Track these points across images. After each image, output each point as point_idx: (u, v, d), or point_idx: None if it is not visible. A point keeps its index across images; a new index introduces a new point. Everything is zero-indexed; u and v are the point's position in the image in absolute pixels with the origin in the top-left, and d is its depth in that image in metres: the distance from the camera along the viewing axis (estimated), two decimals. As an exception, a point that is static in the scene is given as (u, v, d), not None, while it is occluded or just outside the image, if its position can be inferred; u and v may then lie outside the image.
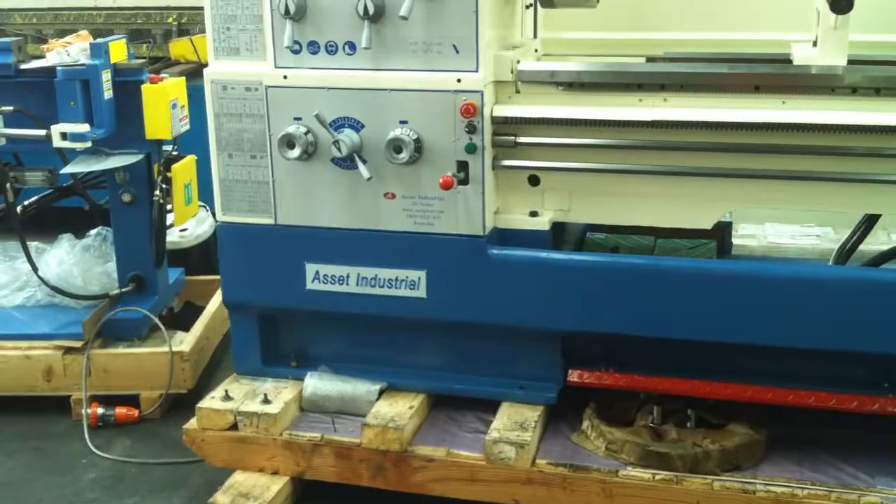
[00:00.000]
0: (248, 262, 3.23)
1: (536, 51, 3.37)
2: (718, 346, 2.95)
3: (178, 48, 5.65)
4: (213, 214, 4.90)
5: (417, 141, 2.96)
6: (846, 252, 3.40)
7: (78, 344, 3.83)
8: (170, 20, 5.97)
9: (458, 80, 2.91)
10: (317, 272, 3.18)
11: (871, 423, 2.94)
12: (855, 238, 3.36)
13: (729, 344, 2.92)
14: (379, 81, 2.98)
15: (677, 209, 3.01)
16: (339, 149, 2.96)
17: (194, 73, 5.29)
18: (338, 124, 3.03)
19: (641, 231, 3.44)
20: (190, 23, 5.95)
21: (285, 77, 3.04)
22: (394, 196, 3.06)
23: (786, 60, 3.11)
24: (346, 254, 3.15)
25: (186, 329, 4.20)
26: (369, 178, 2.96)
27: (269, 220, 3.18)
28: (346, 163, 3.04)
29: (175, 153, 4.05)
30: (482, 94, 2.91)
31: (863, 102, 2.81)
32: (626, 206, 3.06)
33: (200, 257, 4.81)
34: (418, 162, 2.99)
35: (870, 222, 3.26)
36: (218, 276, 4.64)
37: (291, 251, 3.18)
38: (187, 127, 3.99)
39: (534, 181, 3.12)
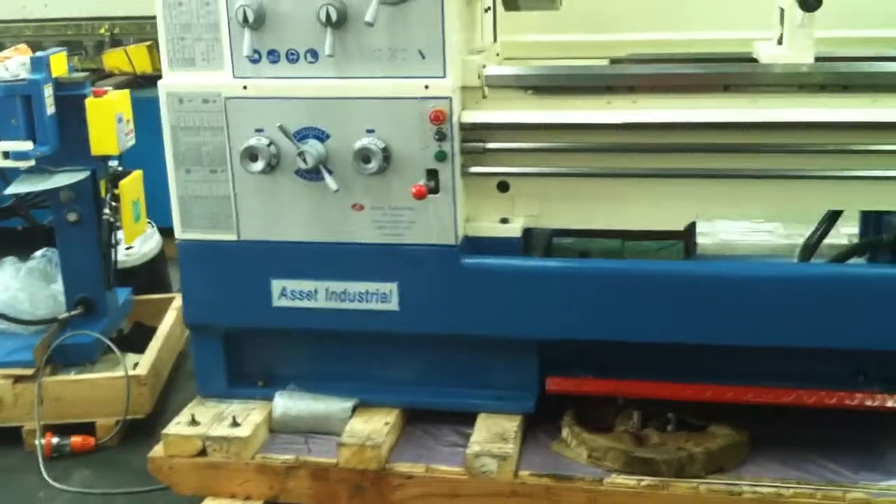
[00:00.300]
0: (211, 280, 3.13)
1: (498, 55, 3.32)
2: (696, 348, 2.94)
3: (113, 60, 5.49)
4: (166, 231, 4.78)
5: (385, 150, 2.89)
6: (810, 248, 3.42)
7: (28, 371, 3.67)
8: (101, 31, 5.80)
9: (426, 87, 2.85)
10: (283, 288, 3.09)
11: (849, 419, 2.95)
12: (819, 234, 3.38)
13: (708, 346, 2.90)
14: (343, 90, 2.90)
15: (650, 212, 2.98)
16: (304, 160, 2.88)
17: (130, 84, 5.15)
18: (302, 135, 2.95)
19: (608, 234, 3.41)
20: (123, 33, 5.79)
21: (245, 87, 2.95)
22: (362, 207, 2.98)
23: (750, 59, 3.11)
24: (313, 268, 3.07)
25: (138, 351, 4.06)
26: (336, 190, 2.89)
27: (231, 237, 3.08)
28: (312, 174, 2.96)
29: (120, 169, 3.91)
30: (451, 101, 2.85)
31: (832, 99, 2.81)
32: (597, 209, 3.03)
33: (148, 276, 4.68)
34: (387, 171, 2.92)
35: (833, 218, 3.28)
36: (167, 295, 4.60)
37: (256, 267, 3.09)
38: (133, 141, 3.86)
39: (503, 187, 3.07)
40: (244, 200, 3.03)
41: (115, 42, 5.76)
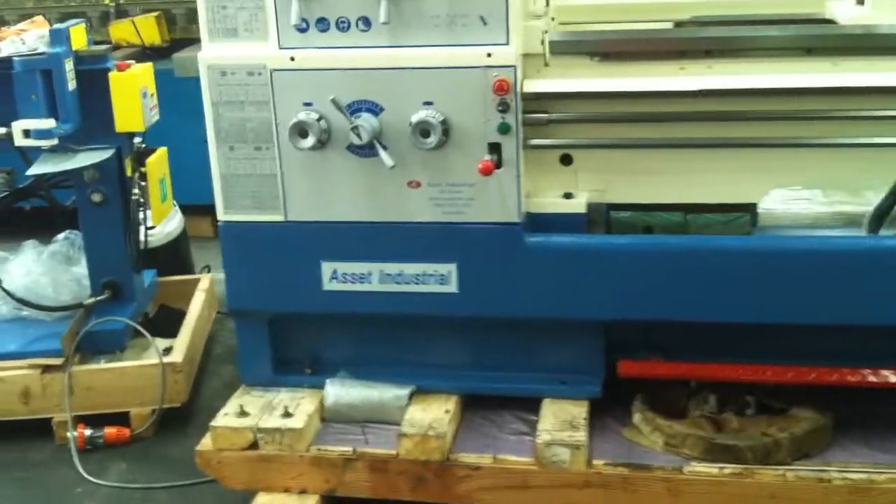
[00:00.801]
0: (256, 264, 2.96)
1: (553, 19, 3.14)
2: (773, 327, 2.79)
3: (120, 31, 5.27)
4: (185, 208, 4.61)
5: (445, 123, 2.72)
6: (878, 218, 3.25)
7: (57, 361, 3.51)
8: (106, 1, 5.56)
9: (489, 55, 2.68)
10: (334, 271, 2.92)
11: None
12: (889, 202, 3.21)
13: (786, 325, 2.76)
14: (399, 60, 2.72)
15: (723, 185, 2.84)
16: (357, 135, 2.70)
17: (138, 57, 4.93)
18: (354, 108, 2.77)
19: (668, 207, 3.24)
20: (129, 3, 5.56)
21: (292, 59, 2.76)
22: (419, 184, 2.81)
23: (825, 21, 2.94)
24: (366, 250, 2.91)
25: (166, 335, 3.91)
26: (392, 166, 2.71)
27: (278, 217, 2.91)
28: (365, 150, 2.78)
29: (144, 146, 3.72)
30: (515, 69, 2.67)
31: (920, 61, 2.65)
32: (667, 183, 2.87)
33: (171, 256, 4.51)
34: (445, 146, 2.75)
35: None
36: (192, 276, 4.43)
37: (305, 250, 2.92)
38: (157, 116, 3.68)
39: (566, 160, 2.91)
40: (292, 179, 2.86)
41: (121, 13, 5.54)
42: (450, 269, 2.88)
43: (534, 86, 2.77)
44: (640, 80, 2.77)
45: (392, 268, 2.91)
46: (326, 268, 2.94)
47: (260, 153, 2.86)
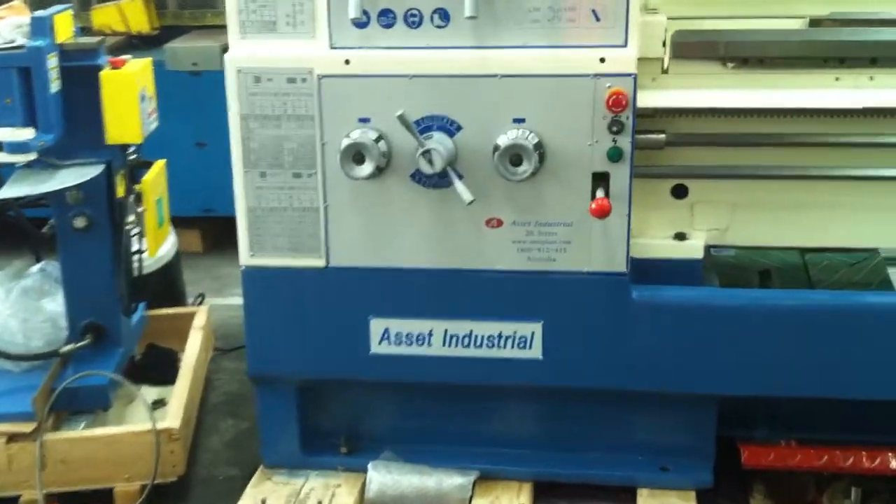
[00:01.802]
0: (288, 320, 2.41)
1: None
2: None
3: (103, 17, 4.65)
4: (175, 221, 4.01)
5: (539, 146, 2.15)
6: None
7: (27, 427, 2.89)
8: (88, -18, 4.93)
9: (602, 60, 2.12)
10: (386, 330, 2.36)
11: None
12: None
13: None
14: (485, 64, 2.18)
15: (880, 223, 2.28)
16: (429, 161, 2.14)
17: (124, 46, 4.36)
18: (424, 126, 2.20)
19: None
20: (114, -16, 4.92)
21: (347, 62, 2.20)
22: (500, 223, 2.25)
23: None
24: (428, 304, 2.37)
25: (155, 381, 3.31)
26: (471, 202, 2.13)
27: (318, 263, 2.35)
28: (434, 179, 2.20)
29: (139, 159, 3.12)
30: (635, 79, 2.11)
31: None
32: (810, 221, 2.33)
33: (161, 284, 3.89)
34: (537, 175, 2.18)
35: None
36: (186, 309, 3.84)
37: (351, 303, 2.37)
38: (157, 123, 3.08)
39: (680, 192, 2.38)
40: (338, 214, 2.30)
41: (105, -5, 4.90)
42: (534, 329, 2.32)
43: (649, 99, 2.21)
44: (786, 94, 2.22)
45: (460, 327, 2.36)
46: (377, 326, 2.38)
47: (299, 181, 2.29)
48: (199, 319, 3.72)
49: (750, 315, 2.27)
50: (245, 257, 2.39)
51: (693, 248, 2.36)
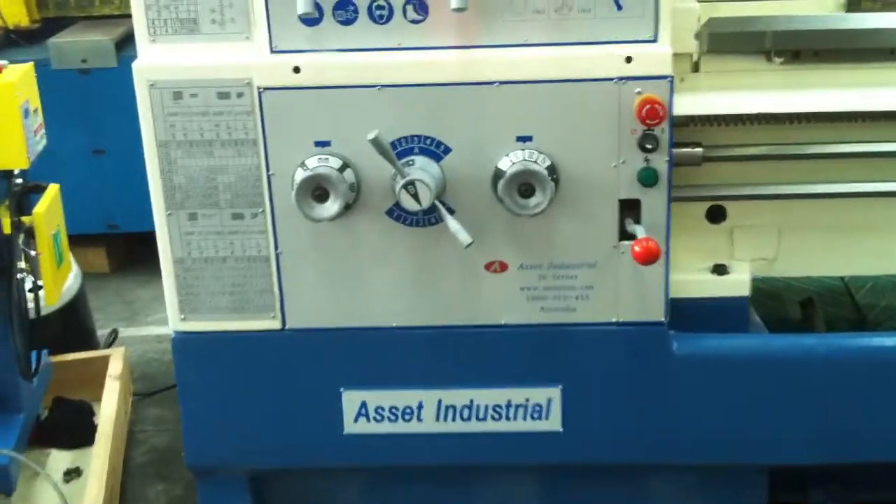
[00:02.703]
0: (235, 397, 1.93)
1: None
2: None
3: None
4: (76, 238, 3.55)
5: (552, 170, 1.68)
6: None
7: None
8: (-49, -32, 4.30)
9: (628, 60, 1.66)
10: (363, 405, 1.92)
11: None
12: None
13: None
14: (477, 69, 1.72)
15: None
16: (414, 196, 1.66)
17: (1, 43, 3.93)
18: (402, 150, 1.72)
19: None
20: (-17, -29, 4.30)
21: (296, 70, 1.71)
22: (504, 267, 1.80)
23: None
24: (416, 370, 1.94)
25: (67, 444, 2.84)
26: (469, 244, 1.66)
27: (271, 324, 1.87)
28: (418, 216, 1.73)
29: (25, 183, 2.59)
30: (671, 83, 1.66)
31: None
32: (876, 245, 1.90)
33: (65, 324, 3.35)
34: (550, 205, 1.72)
35: None
36: (97, 353, 3.35)
37: (316, 373, 1.92)
38: (45, 142, 2.55)
39: (717, 215, 1.96)
40: (295, 263, 1.84)
41: (-27, -16, 4.28)
42: (550, 395, 1.90)
43: (681, 104, 1.77)
44: (848, 94, 1.79)
45: (458, 397, 1.92)
46: (351, 400, 1.93)
47: (241, 224, 1.80)
48: (115, 364, 3.23)
49: (818, 365, 1.86)
50: (175, 320, 1.89)
51: (737, 284, 1.94)
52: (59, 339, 3.25)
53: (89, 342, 3.52)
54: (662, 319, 1.86)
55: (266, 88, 1.75)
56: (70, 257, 2.86)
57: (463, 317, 1.87)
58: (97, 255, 4.12)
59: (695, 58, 1.86)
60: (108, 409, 2.97)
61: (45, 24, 4.31)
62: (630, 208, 1.80)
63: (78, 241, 3.86)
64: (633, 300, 1.85)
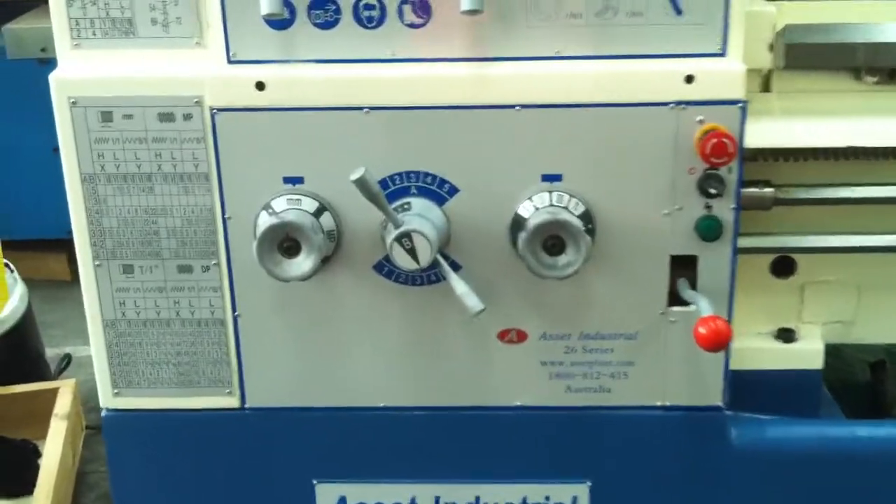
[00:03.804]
0: (180, 492, 1.54)
1: None
2: None
3: None
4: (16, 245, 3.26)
5: (588, 218, 1.31)
6: None
7: None
8: None
9: (688, 80, 1.28)
10: (342, 500, 1.51)
11: None
12: None
13: None
14: (494, 88, 1.37)
15: None
16: (410, 252, 1.29)
17: None
18: (396, 189, 1.35)
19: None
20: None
21: (260, 86, 1.33)
22: (522, 336, 1.44)
23: None
24: (408, 459, 1.58)
25: (6, 492, 2.55)
26: (480, 311, 1.29)
27: (227, 402, 1.51)
28: (413, 273, 1.36)
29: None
30: (744, 109, 1.28)
31: None
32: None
33: (8, 352, 3.01)
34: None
35: None
36: (44, 385, 3.00)
37: (282, 461, 1.56)
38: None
39: (784, 269, 1.59)
40: (257, 327, 1.47)
41: None
42: (576, 492, 1.55)
43: (754, 134, 1.38)
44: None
45: (460, 493, 1.57)
46: (326, 494, 1.58)
47: (190, 279, 1.43)
48: (63, 400, 2.87)
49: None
50: (106, 396, 1.53)
51: (807, 354, 1.59)
52: (2, 367, 2.91)
53: (38, 370, 3.17)
54: (720, 403, 1.50)
55: (221, 109, 1.37)
56: (5, 281, 2.51)
57: (468, 397, 1.51)
58: (58, 261, 3.89)
59: (764, 73, 1.48)
60: (52, 455, 2.63)
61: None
62: (684, 266, 1.43)
63: (36, 246, 3.66)
64: (684, 379, 1.49)
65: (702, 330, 1.29)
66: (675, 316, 1.46)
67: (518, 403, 1.52)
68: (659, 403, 1.51)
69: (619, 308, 1.45)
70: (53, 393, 2.91)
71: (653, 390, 1.50)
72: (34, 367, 3.16)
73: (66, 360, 3.24)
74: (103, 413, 1.56)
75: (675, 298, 1.45)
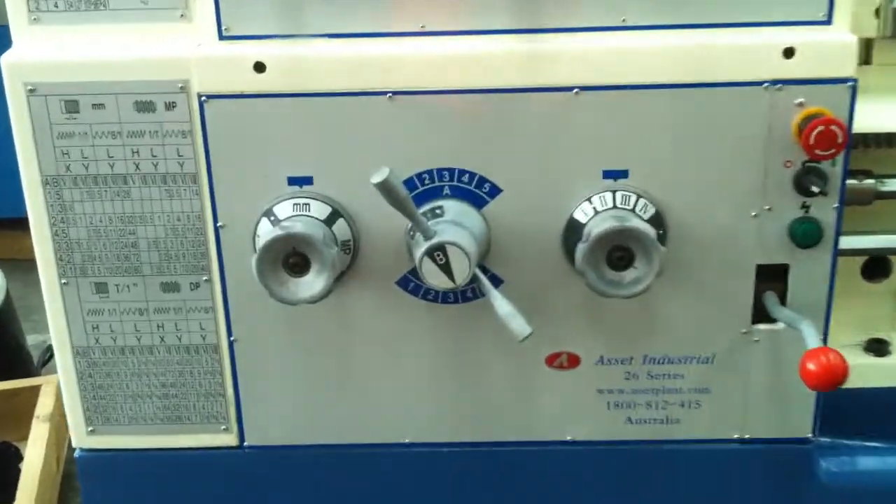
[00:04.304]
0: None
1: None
2: None
3: None
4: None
5: (659, 222, 1.06)
6: None
7: None
8: None
9: (787, 53, 1.02)
10: (361, 549, 1.29)
11: None
12: None
13: None
14: (547, 65, 1.10)
15: None
16: (444, 267, 1.04)
17: None
18: (425, 191, 1.10)
19: None
20: None
21: (260, 67, 1.05)
22: (574, 361, 1.20)
23: None
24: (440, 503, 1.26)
25: None
26: (527, 337, 1.04)
27: (223, 440, 1.27)
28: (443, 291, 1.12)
29: None
30: (854, 89, 1.03)
31: None
32: None
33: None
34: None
35: None
36: (23, 383, 2.77)
37: None
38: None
39: (877, 270, 1.34)
40: (258, 354, 1.24)
41: None
42: None
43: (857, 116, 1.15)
44: None
45: (501, 540, 1.29)
46: (344, 544, 1.29)
47: (176, 298, 1.19)
48: (46, 400, 2.65)
49: None
50: (79, 434, 1.29)
51: (907, 372, 1.34)
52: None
53: (19, 363, 2.95)
54: (809, 435, 1.26)
55: (211, 96, 1.11)
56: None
57: (510, 431, 1.28)
58: (20, 239, 3.67)
59: (867, 47, 1.24)
60: (35, 459, 2.40)
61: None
62: (771, 278, 1.18)
63: (15, 225, 3.37)
64: (767, 408, 1.26)
65: (811, 366, 1.05)
66: (759, 335, 1.22)
67: (569, 438, 1.28)
68: (736, 436, 1.28)
69: (693, 327, 1.22)
70: (35, 391, 2.69)
71: (730, 421, 1.27)
72: (15, 360, 2.94)
73: (48, 353, 3.02)
74: (77, 453, 1.32)
75: (759, 315, 1.21)
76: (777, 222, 1.16)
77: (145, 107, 1.13)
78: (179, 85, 1.12)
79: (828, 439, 1.30)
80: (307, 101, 1.12)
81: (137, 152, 1.15)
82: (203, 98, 1.12)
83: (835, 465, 1.30)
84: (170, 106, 1.13)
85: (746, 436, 1.28)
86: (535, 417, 1.27)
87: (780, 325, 1.21)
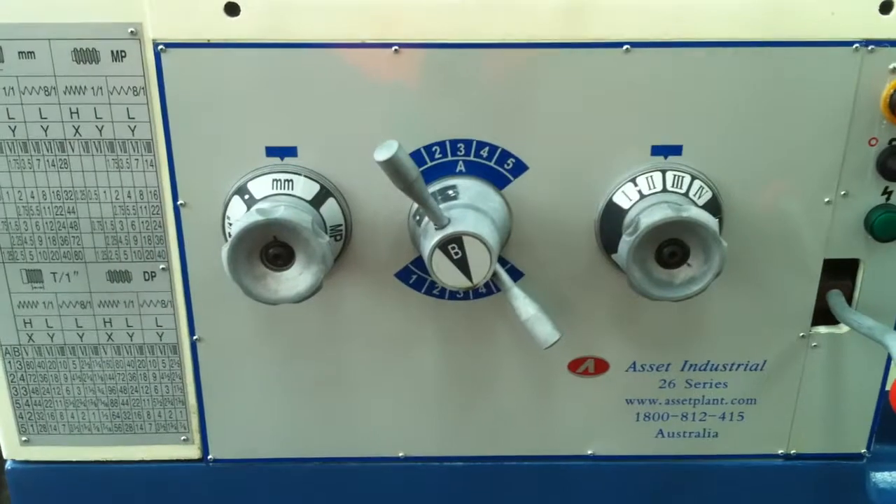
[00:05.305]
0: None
1: None
2: None
3: None
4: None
5: (714, 206, 0.85)
6: None
7: None
8: None
9: (885, 8, 0.82)
10: (345, 576, 1.09)
11: None
12: None
13: None
14: (587, 17, 0.86)
15: None
16: (460, 265, 0.83)
17: None
18: (434, 167, 0.88)
19: None
20: None
21: (232, 8, 0.81)
22: (602, 367, 1.01)
23: None
24: None
25: None
26: (555, 342, 0.83)
27: (183, 453, 1.05)
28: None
29: None
30: (963, 52, 0.86)
31: None
32: None
33: None
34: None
35: None
36: None
37: None
38: None
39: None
40: (225, 355, 1.02)
41: None
42: None
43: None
44: None
45: (506, 566, 1.10)
46: (323, 570, 1.10)
47: (125, 290, 0.96)
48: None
49: None
50: (11, 445, 1.07)
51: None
52: None
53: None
54: (862, 451, 1.08)
55: (171, 44, 0.88)
56: None
57: (526, 444, 1.08)
58: None
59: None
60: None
61: None
62: (838, 275, 0.99)
63: None
64: (818, 420, 1.07)
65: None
66: (819, 339, 1.03)
67: (590, 452, 1.09)
68: (781, 451, 1.10)
69: (743, 330, 1.02)
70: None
71: (775, 435, 1.09)
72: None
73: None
74: (8, 466, 1.10)
75: (820, 316, 1.03)
76: (853, 210, 0.97)
77: (87, 56, 0.89)
78: (130, 29, 0.89)
79: (882, 453, 1.13)
80: (291, 52, 0.89)
81: (77, 113, 0.91)
82: (160, 46, 0.89)
83: (890, 483, 1.13)
84: (117, 56, 0.89)
85: (792, 451, 1.10)
86: (553, 429, 1.08)
87: (842, 328, 1.03)
